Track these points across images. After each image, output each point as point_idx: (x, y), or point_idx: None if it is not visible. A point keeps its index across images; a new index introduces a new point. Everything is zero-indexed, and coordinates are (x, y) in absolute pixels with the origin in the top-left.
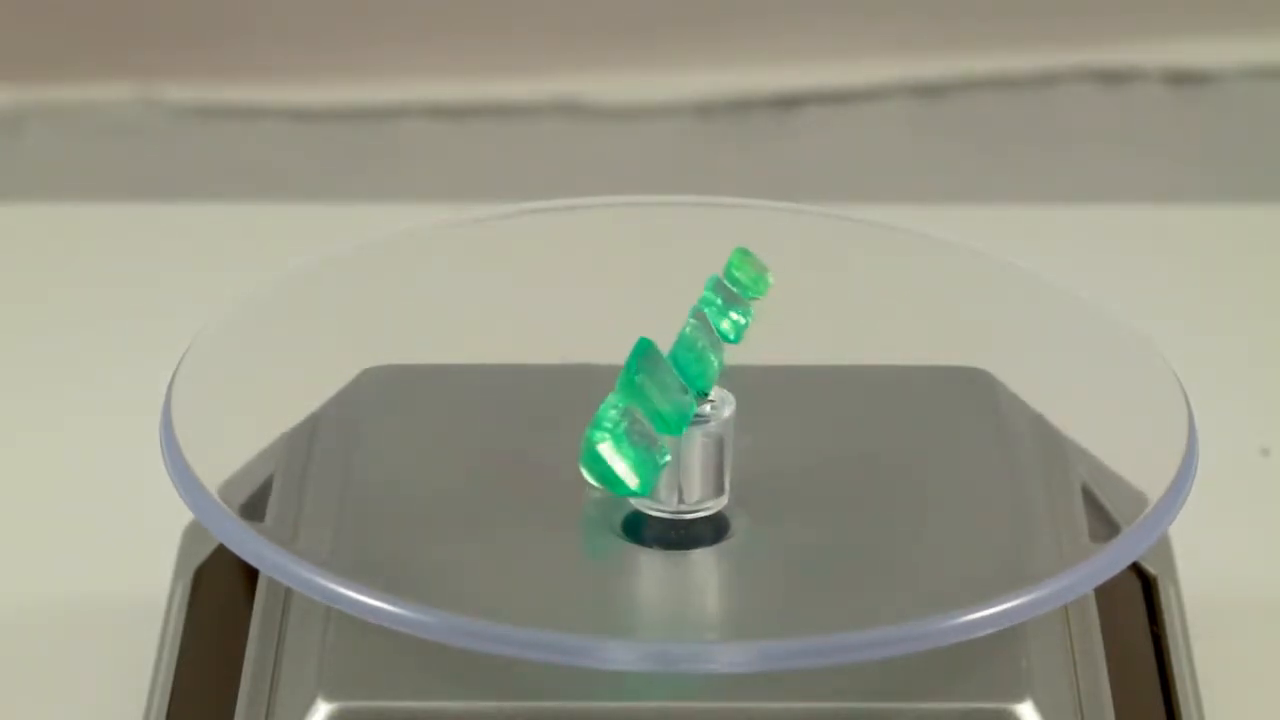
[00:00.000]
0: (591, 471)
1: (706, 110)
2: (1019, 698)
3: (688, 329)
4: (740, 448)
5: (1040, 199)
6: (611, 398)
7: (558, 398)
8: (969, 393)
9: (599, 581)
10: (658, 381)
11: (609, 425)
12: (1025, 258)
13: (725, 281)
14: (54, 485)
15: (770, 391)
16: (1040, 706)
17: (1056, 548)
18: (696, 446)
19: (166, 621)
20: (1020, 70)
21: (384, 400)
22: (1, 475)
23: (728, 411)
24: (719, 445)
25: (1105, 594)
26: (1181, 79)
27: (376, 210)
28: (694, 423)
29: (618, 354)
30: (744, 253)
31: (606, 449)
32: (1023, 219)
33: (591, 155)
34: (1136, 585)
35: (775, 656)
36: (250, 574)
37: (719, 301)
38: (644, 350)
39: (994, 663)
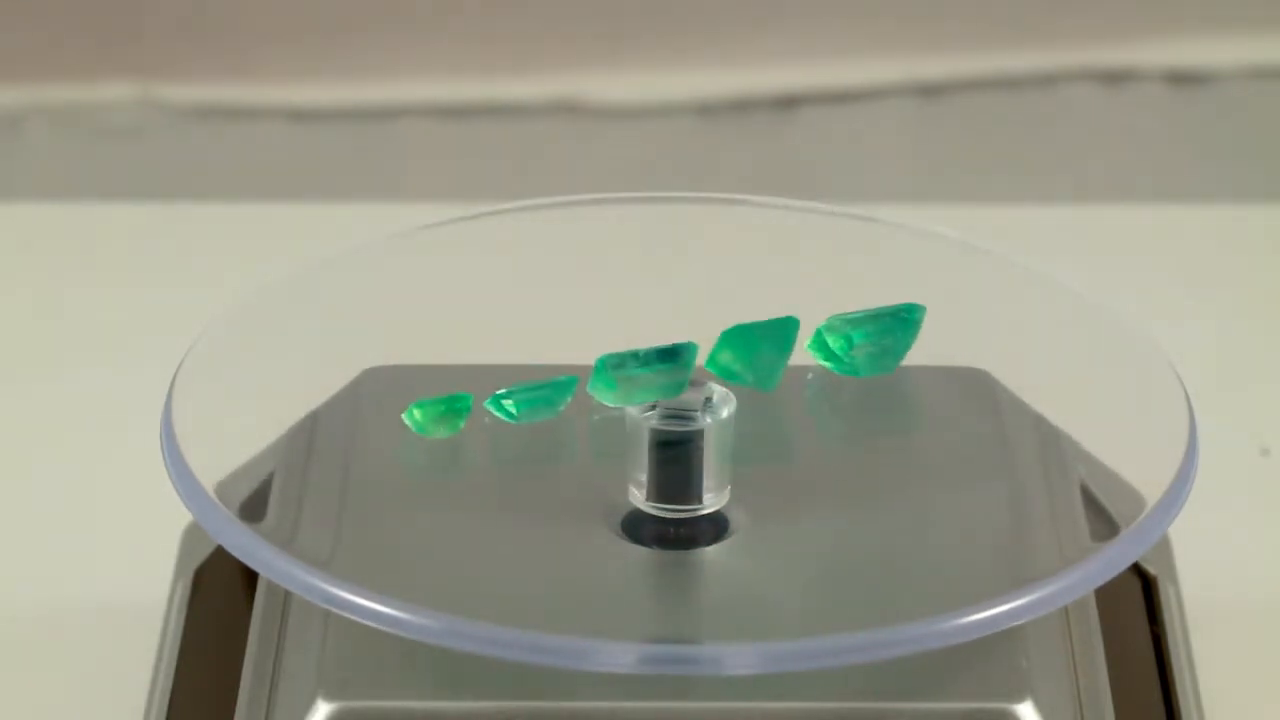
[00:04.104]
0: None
1: (707, 110)
2: (1019, 698)
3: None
4: (740, 448)
5: (1040, 199)
6: None
7: None
8: (969, 393)
9: (599, 582)
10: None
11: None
12: (1025, 257)
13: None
14: (54, 485)
15: (771, 391)
16: (1040, 706)
17: (1056, 548)
18: (695, 446)
19: (166, 621)
20: (1020, 70)
21: (384, 400)
22: (2, 475)
23: (727, 411)
24: (718, 445)
25: (1105, 594)
26: (1181, 79)
27: (376, 210)
28: (693, 422)
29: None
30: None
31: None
32: (1023, 219)
33: (591, 155)
34: (1136, 585)
35: (775, 658)
36: (250, 574)
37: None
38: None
39: (994, 663)
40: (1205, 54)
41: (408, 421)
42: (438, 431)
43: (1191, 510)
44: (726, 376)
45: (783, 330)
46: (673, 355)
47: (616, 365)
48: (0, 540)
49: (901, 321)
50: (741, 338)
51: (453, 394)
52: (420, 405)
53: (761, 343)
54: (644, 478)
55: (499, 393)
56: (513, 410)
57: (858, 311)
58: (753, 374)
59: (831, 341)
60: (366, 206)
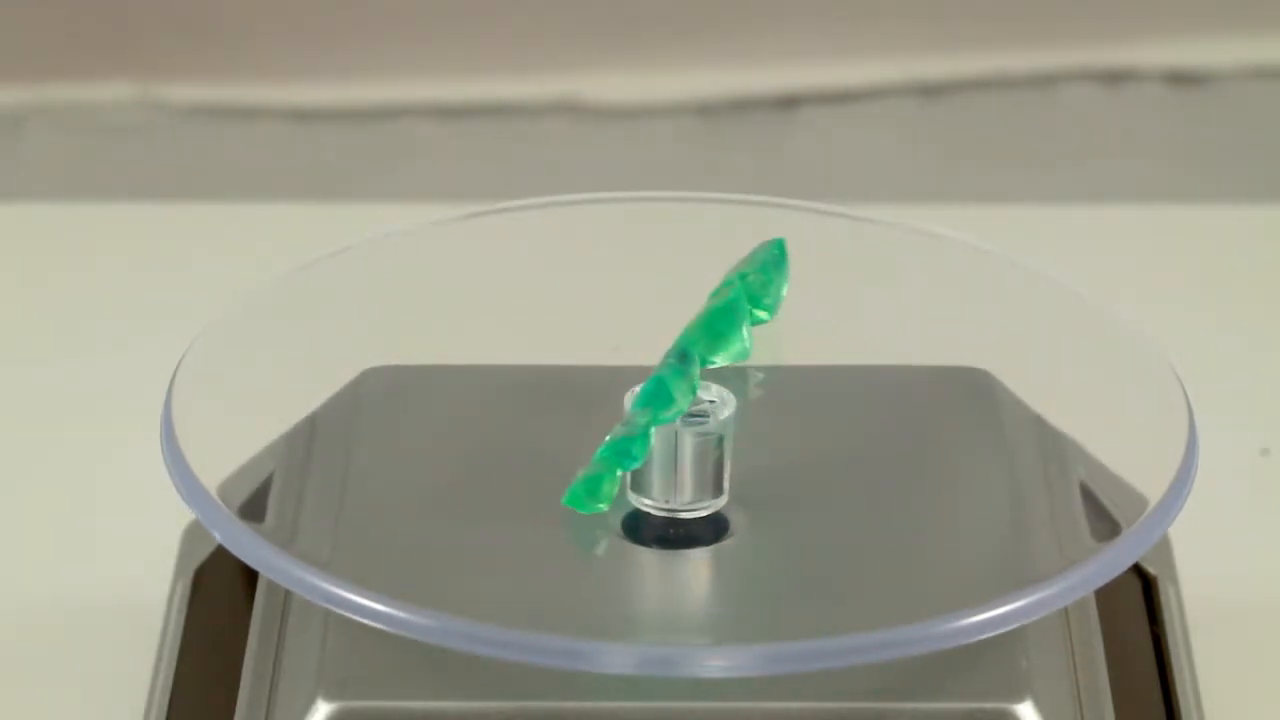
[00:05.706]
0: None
1: (706, 110)
2: (1019, 698)
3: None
4: (740, 448)
5: (1040, 199)
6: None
7: (558, 398)
8: (969, 393)
9: (599, 582)
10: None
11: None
12: (1025, 258)
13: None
14: (54, 485)
15: (770, 391)
16: (1040, 706)
17: (1057, 548)
18: (696, 446)
19: (166, 621)
20: (1020, 70)
21: (384, 400)
22: (2, 475)
23: (727, 411)
24: (719, 445)
25: (1105, 594)
26: (1181, 79)
27: (376, 210)
28: (693, 422)
29: (617, 354)
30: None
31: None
32: (1023, 219)
33: (591, 155)
34: (1136, 585)
35: (775, 660)
36: (250, 574)
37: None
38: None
39: (994, 663)
40: (1205, 54)
41: (577, 506)
42: (607, 502)
43: (1191, 510)
44: (707, 364)
45: (735, 302)
46: (684, 357)
47: (665, 381)
48: (0, 540)
49: (778, 262)
50: (710, 325)
51: (595, 465)
52: (581, 486)
53: (731, 318)
54: (660, 480)
55: (611, 444)
56: (637, 457)
57: (742, 271)
58: (729, 353)
59: (749, 298)
60: (366, 206)
